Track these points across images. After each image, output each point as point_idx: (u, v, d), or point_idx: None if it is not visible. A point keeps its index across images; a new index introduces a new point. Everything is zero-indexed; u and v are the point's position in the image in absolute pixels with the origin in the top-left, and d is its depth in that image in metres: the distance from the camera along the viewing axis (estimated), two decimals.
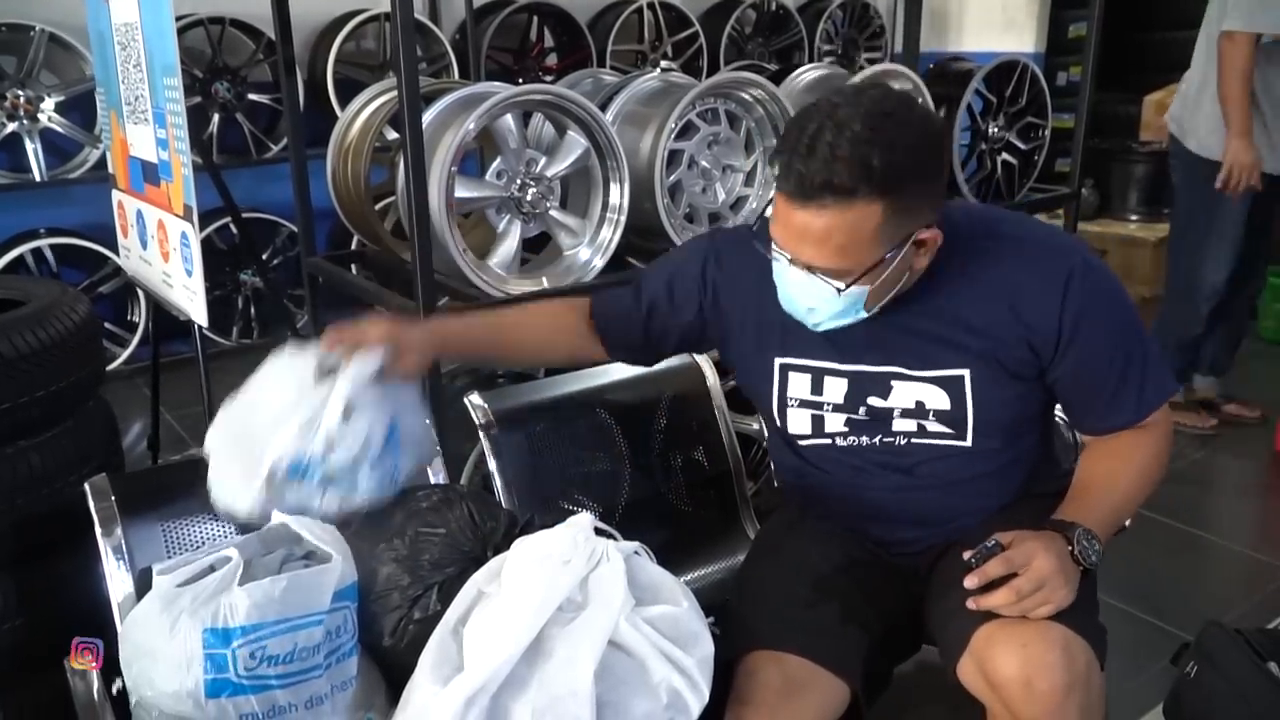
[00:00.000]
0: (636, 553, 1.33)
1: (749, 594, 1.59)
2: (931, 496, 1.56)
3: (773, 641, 1.43)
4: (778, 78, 3.00)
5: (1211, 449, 3.50)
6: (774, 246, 1.40)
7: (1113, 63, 5.51)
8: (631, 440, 1.99)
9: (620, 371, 2.04)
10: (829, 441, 1.57)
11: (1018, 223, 1.54)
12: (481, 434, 1.81)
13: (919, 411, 1.50)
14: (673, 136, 2.55)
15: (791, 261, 1.37)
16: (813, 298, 1.39)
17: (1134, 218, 4.61)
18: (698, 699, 1.21)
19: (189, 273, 2.09)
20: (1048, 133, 3.44)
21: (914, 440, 1.52)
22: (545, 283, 2.44)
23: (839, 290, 1.36)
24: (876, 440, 1.54)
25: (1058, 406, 1.59)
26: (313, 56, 4.85)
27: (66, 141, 4.33)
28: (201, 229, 4.29)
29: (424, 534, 1.37)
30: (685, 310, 1.62)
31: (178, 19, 4.38)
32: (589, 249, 2.50)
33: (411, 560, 1.35)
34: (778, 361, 1.56)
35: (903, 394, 1.50)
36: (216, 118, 4.56)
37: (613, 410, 1.99)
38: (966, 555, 1.34)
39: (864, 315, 1.42)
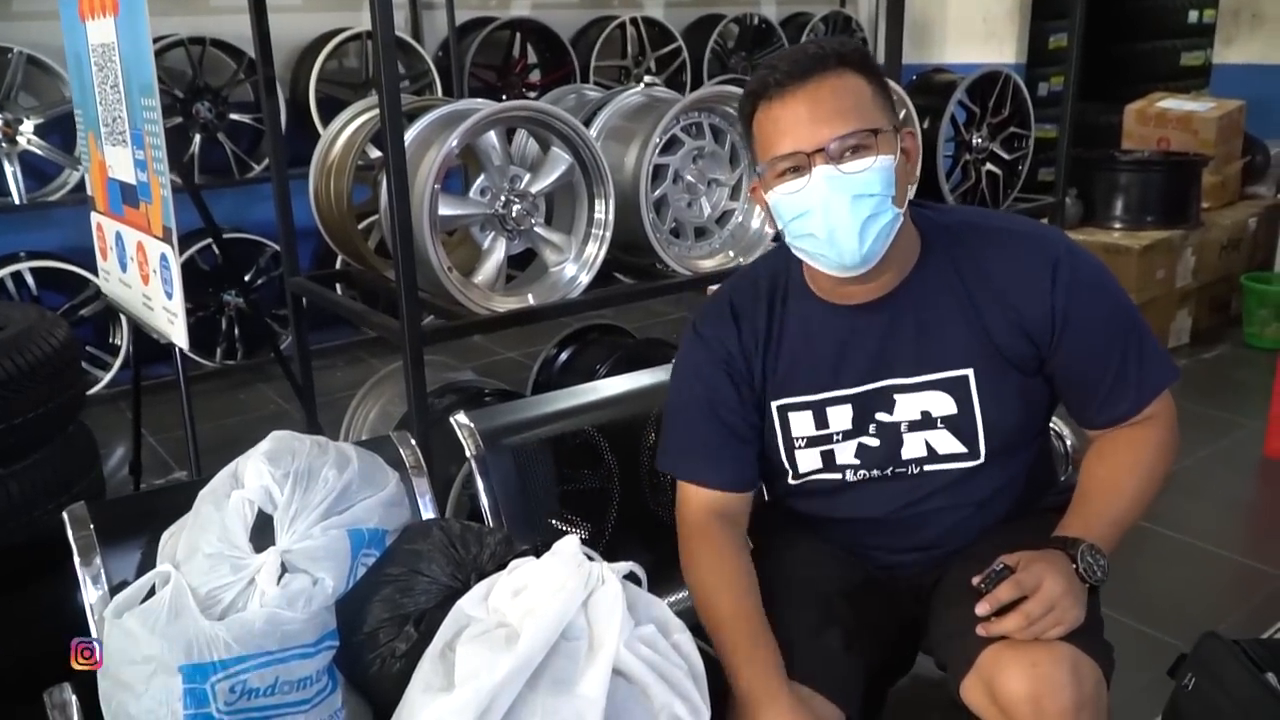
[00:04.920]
0: (630, 575, 1.32)
1: None
2: (940, 522, 1.53)
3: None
4: None
5: (1201, 456, 3.50)
6: (783, 177, 1.35)
7: (1093, 73, 5.54)
8: (621, 457, 1.96)
9: (609, 388, 2.02)
10: (839, 477, 1.52)
11: (996, 217, 1.53)
12: (468, 454, 1.78)
13: (926, 422, 1.46)
14: (657, 151, 2.54)
15: (811, 158, 1.32)
16: (855, 188, 1.32)
17: (1118, 226, 4.61)
18: None
19: (169, 295, 2.05)
20: (1031, 143, 3.45)
21: (925, 469, 1.49)
22: (531, 299, 2.42)
23: (871, 159, 1.32)
24: (889, 472, 1.50)
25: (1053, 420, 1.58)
26: (295, 76, 4.83)
27: (46, 164, 4.30)
28: (183, 250, 4.33)
29: (402, 574, 1.37)
30: (742, 389, 1.53)
31: (158, 39, 4.40)
32: (574, 265, 2.48)
33: (393, 600, 1.34)
34: (774, 405, 1.51)
35: (907, 406, 1.46)
36: (198, 138, 4.53)
37: (602, 427, 1.96)
38: (975, 581, 1.31)
39: (898, 217, 1.36)
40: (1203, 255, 4.67)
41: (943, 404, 1.45)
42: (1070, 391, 1.48)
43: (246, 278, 4.65)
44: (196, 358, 4.53)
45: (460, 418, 1.81)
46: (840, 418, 1.48)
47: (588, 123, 2.61)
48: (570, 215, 2.52)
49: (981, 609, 1.29)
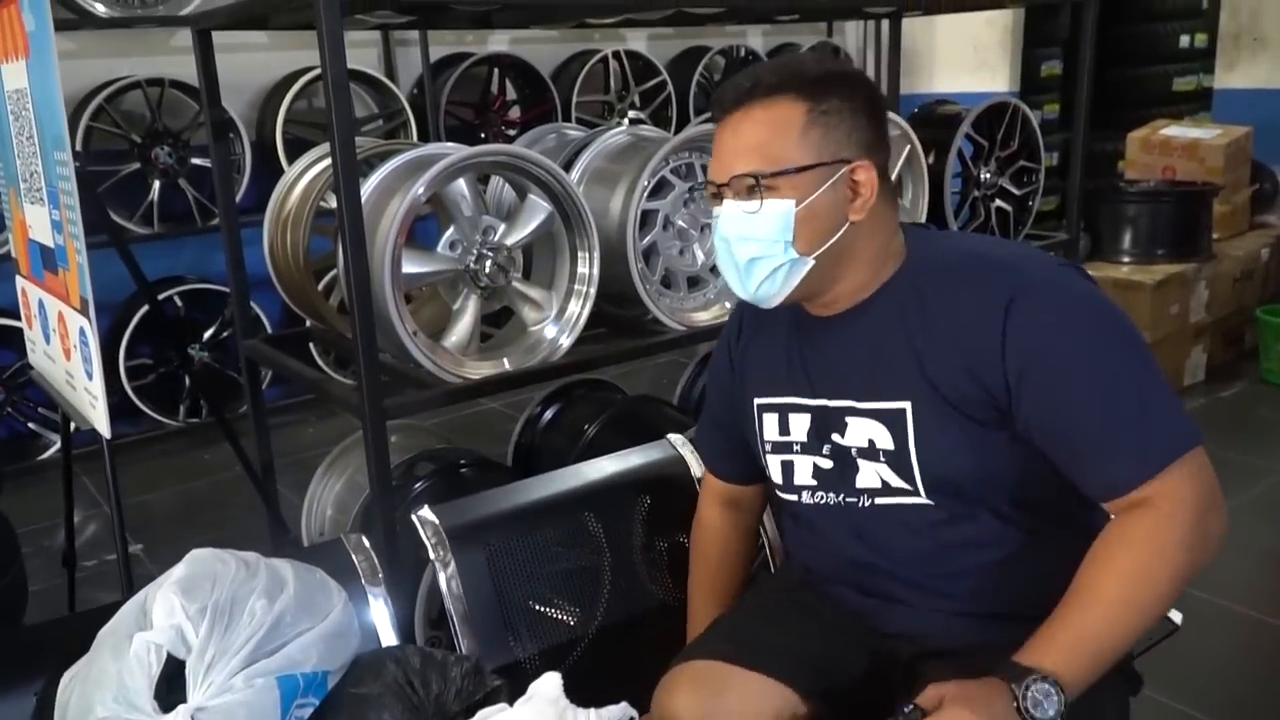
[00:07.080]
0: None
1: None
2: (903, 576, 1.39)
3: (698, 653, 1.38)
4: None
5: (1232, 508, 3.25)
6: (714, 200, 1.36)
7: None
8: (612, 534, 1.77)
9: (594, 472, 1.80)
10: (796, 498, 1.48)
11: (979, 242, 1.44)
12: (433, 558, 1.54)
13: (871, 452, 1.37)
14: (645, 195, 2.31)
15: (719, 191, 1.33)
16: (740, 229, 1.31)
17: (1127, 260, 4.40)
18: None
19: (89, 375, 1.79)
20: (1041, 177, 3.24)
21: (877, 501, 1.39)
22: (507, 364, 2.17)
23: (759, 204, 1.28)
24: (841, 499, 1.43)
25: None
26: (261, 116, 4.61)
27: None
28: (144, 301, 4.07)
29: None
30: (732, 388, 1.57)
31: (113, 81, 4.16)
32: (556, 325, 2.24)
33: None
34: (756, 402, 1.50)
35: (856, 431, 1.39)
36: (157, 185, 4.28)
37: (589, 503, 1.76)
38: None
39: (799, 262, 1.31)
40: (1216, 288, 4.47)
41: (883, 436, 1.36)
42: (1055, 453, 1.26)
43: (210, 331, 4.41)
44: (158, 417, 4.28)
45: (425, 513, 1.58)
46: (800, 427, 1.45)
47: (569, 165, 2.39)
48: (551, 268, 2.28)
49: None
